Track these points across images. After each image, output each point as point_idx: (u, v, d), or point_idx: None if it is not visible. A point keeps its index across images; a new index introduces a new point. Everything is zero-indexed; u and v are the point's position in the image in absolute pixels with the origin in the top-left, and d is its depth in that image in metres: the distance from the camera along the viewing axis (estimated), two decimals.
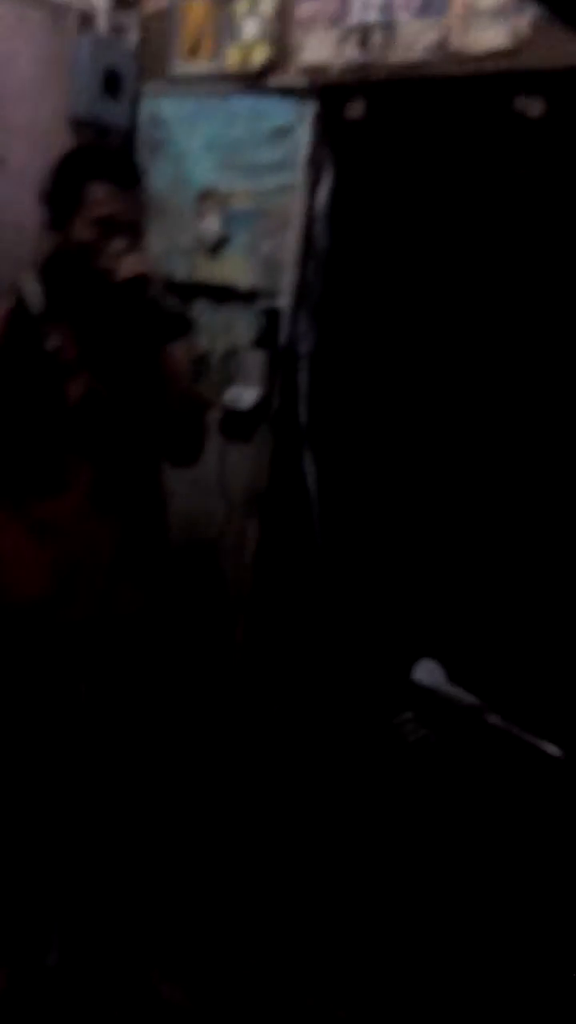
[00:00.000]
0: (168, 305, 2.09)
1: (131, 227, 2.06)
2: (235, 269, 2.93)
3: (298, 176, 2.76)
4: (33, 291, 2.10)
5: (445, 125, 2.45)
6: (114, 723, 2.22)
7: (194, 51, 2.98)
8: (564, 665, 2.25)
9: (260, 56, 2.79)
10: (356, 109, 2.60)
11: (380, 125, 2.58)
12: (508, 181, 2.35)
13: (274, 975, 2.44)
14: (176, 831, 2.72)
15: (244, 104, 2.87)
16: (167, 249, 3.01)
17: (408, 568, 2.61)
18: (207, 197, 2.98)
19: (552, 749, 2.08)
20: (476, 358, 2.45)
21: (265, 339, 2.83)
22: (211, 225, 2.97)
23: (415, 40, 2.43)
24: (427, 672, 2.31)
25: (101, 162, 2.11)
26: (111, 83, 3.08)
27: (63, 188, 2.08)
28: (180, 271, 3.01)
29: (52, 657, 2.13)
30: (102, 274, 2.03)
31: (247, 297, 2.89)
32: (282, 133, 2.79)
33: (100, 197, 2.03)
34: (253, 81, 2.83)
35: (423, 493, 2.58)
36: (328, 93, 2.66)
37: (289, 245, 2.79)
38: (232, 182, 2.92)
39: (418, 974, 2.33)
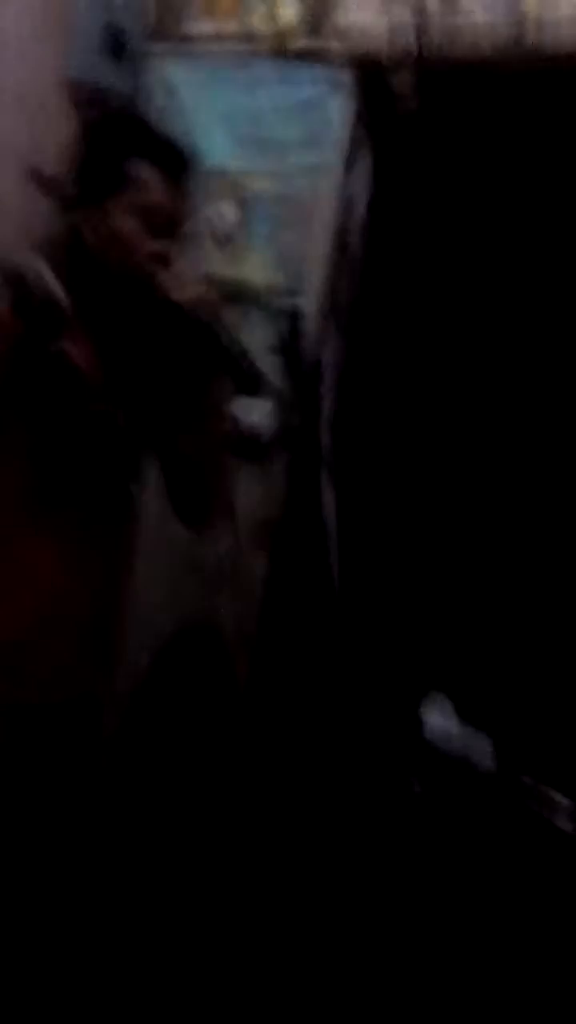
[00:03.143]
0: (236, 351, 1.77)
1: (174, 227, 1.72)
2: (250, 264, 2.55)
3: (329, 155, 2.38)
4: (52, 281, 1.68)
5: (517, 111, 2.08)
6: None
7: (212, 8, 2.61)
8: None
9: (290, 15, 2.42)
10: (403, 81, 2.23)
11: (431, 100, 2.21)
12: None
13: None
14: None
15: (269, 70, 2.49)
16: None
17: (432, 612, 2.31)
18: (220, 177, 2.59)
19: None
20: (536, 389, 2.12)
21: (284, 346, 2.45)
22: (224, 211, 2.59)
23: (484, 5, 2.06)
24: (439, 716, 2.04)
25: (150, 140, 1.74)
26: (114, 42, 2.70)
27: (101, 160, 1.72)
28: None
29: None
30: (146, 282, 1.68)
31: (264, 297, 2.50)
32: (312, 105, 2.41)
33: (148, 181, 1.67)
34: (280, 44, 2.44)
35: (454, 530, 2.27)
36: (370, 61, 2.28)
37: (317, 237, 2.42)
38: (251, 161, 2.54)
39: None
